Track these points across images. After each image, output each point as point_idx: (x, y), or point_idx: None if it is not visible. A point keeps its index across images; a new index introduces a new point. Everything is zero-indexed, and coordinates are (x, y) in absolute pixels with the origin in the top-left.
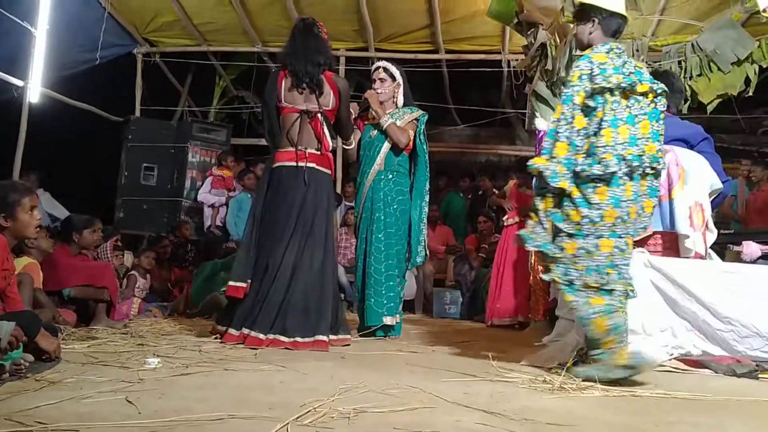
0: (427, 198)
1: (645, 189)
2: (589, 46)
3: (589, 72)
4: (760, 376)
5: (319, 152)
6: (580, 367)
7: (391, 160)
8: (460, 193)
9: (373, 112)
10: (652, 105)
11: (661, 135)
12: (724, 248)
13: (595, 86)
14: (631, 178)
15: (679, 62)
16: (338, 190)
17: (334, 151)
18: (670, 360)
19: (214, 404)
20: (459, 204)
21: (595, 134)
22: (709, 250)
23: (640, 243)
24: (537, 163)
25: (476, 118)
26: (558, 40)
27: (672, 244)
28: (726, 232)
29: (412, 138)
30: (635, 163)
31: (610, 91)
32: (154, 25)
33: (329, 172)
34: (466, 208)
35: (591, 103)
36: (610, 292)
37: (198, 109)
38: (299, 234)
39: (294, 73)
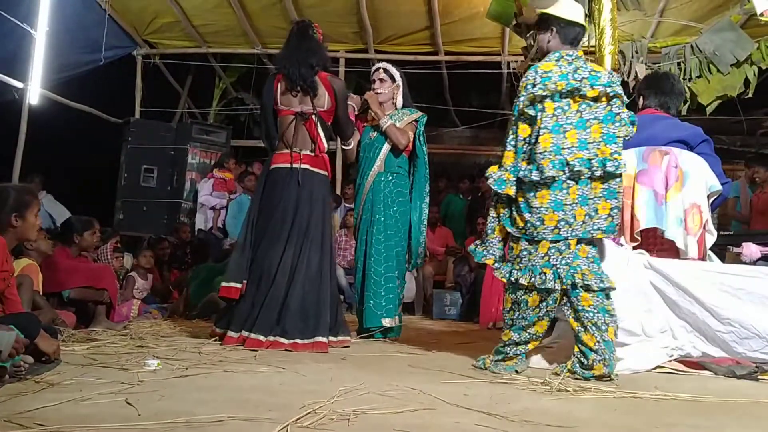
0: (427, 199)
1: (599, 191)
2: (547, 53)
3: (532, 81)
4: (759, 377)
5: (313, 153)
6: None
7: (391, 161)
8: (459, 194)
9: (373, 114)
10: (608, 108)
11: (619, 137)
12: (723, 250)
13: (531, 95)
14: (577, 182)
15: (679, 64)
16: (338, 191)
17: (333, 153)
18: (669, 361)
19: (214, 406)
20: (459, 205)
21: (535, 141)
22: (709, 252)
23: (640, 245)
24: (490, 171)
25: (476, 120)
26: None
27: (672, 245)
28: (726, 233)
29: (411, 139)
30: (580, 167)
31: (551, 97)
32: (153, 27)
33: (325, 173)
34: (466, 210)
35: (530, 112)
36: (548, 292)
37: (198, 110)
38: (295, 236)
39: (288, 76)
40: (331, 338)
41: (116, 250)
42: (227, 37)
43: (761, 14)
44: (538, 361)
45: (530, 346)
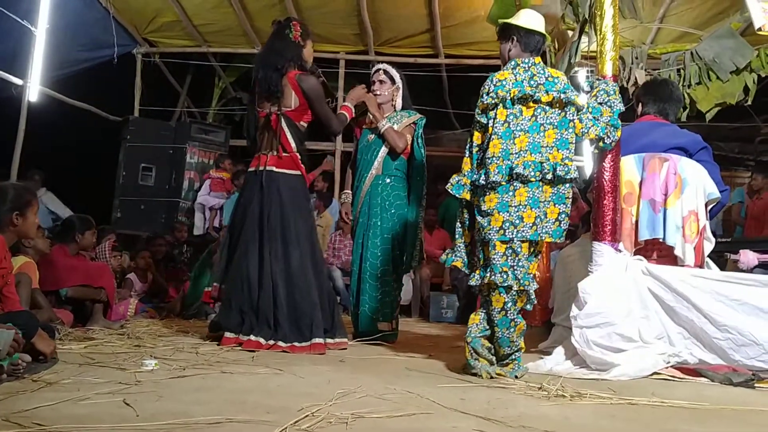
0: (424, 202)
1: (548, 195)
2: (508, 61)
3: (486, 90)
4: (756, 385)
5: (277, 154)
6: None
7: (389, 164)
8: None
9: (371, 116)
10: (562, 114)
11: (571, 143)
12: (721, 256)
13: (482, 104)
14: (526, 184)
15: (678, 70)
16: (337, 192)
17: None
18: (666, 368)
19: (212, 407)
20: (457, 208)
21: (486, 147)
22: (707, 259)
23: (639, 250)
24: (453, 177)
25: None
26: (557, 47)
27: (670, 252)
28: (723, 240)
29: (409, 142)
30: (529, 171)
31: (503, 104)
32: (154, 26)
33: (295, 172)
34: None
35: (482, 120)
36: (507, 289)
37: (197, 110)
38: (270, 238)
39: (256, 79)
40: (329, 340)
41: (114, 249)
42: (227, 37)
43: (759, 29)
44: (535, 366)
45: (518, 349)
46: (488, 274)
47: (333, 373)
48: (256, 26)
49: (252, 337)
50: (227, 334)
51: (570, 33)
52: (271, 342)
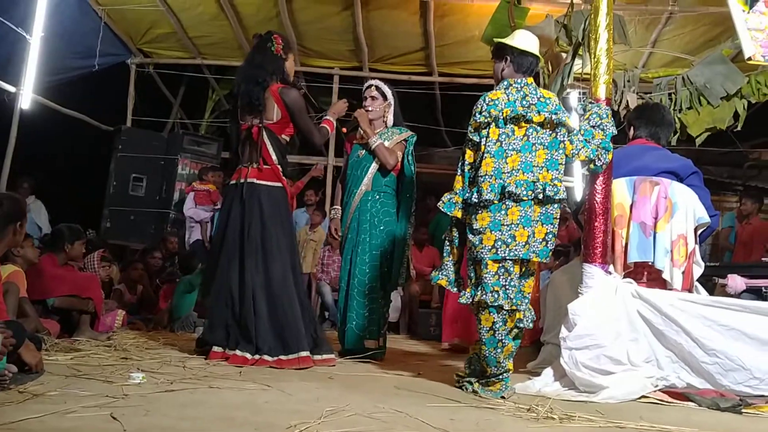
0: (413, 219)
1: (537, 215)
2: (501, 81)
3: (479, 109)
4: (743, 410)
5: (259, 166)
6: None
7: (379, 180)
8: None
9: (362, 132)
10: (552, 135)
11: (561, 164)
12: (710, 281)
13: (475, 123)
14: (518, 203)
15: (670, 95)
16: (327, 207)
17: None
18: (654, 392)
19: (200, 423)
20: (448, 225)
21: (478, 165)
22: (696, 283)
23: (629, 273)
24: (444, 195)
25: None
26: (551, 69)
27: (659, 275)
28: (712, 264)
29: (400, 159)
30: (519, 190)
31: (495, 123)
32: (149, 37)
33: (277, 184)
34: None
35: (475, 138)
36: (498, 309)
37: (189, 121)
38: (250, 252)
39: (237, 93)
40: (316, 356)
41: (104, 260)
42: (222, 50)
43: (749, 58)
44: (524, 387)
45: (506, 369)
46: (479, 293)
47: (321, 391)
48: (251, 40)
49: (238, 352)
50: (214, 348)
51: (564, 55)
52: (257, 357)
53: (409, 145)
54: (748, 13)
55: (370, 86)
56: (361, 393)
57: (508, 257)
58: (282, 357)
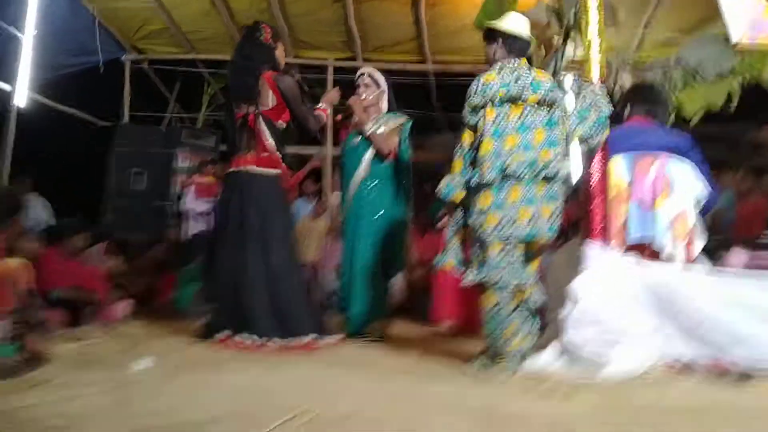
0: (411, 204)
1: (542, 193)
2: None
3: (474, 90)
4: (747, 383)
5: (257, 154)
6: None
7: (376, 166)
8: None
9: (357, 119)
10: (549, 114)
11: (560, 142)
12: (712, 256)
13: (471, 104)
14: (519, 181)
15: (664, 74)
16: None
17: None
18: (658, 366)
19: (204, 406)
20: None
21: (477, 146)
22: (700, 257)
23: (629, 251)
24: (442, 182)
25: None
26: (544, 53)
27: (660, 252)
28: (716, 238)
29: (396, 145)
30: (519, 169)
31: (492, 104)
32: (142, 33)
33: (275, 171)
34: None
35: (472, 120)
36: (502, 289)
37: (186, 115)
38: (250, 239)
39: (230, 84)
40: (320, 340)
41: (106, 252)
42: (216, 44)
43: (734, 45)
44: (528, 364)
45: (510, 348)
46: (483, 273)
47: (324, 373)
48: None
49: (242, 337)
50: (218, 335)
51: (556, 38)
52: (262, 341)
53: (404, 131)
54: None
55: (362, 74)
56: (366, 375)
57: (512, 236)
58: (286, 343)
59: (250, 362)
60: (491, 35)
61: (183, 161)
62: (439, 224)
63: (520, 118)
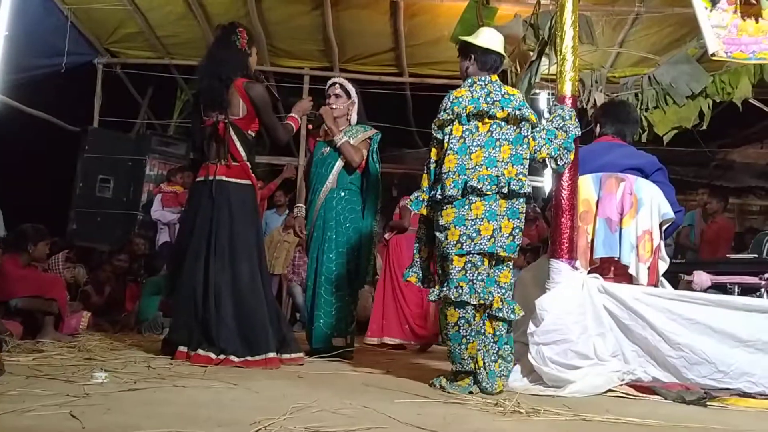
0: (378, 217)
1: (503, 210)
2: (466, 79)
3: (444, 107)
4: (708, 403)
5: (226, 164)
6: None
7: (344, 178)
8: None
9: (327, 129)
10: (517, 130)
11: (525, 159)
12: (676, 277)
13: (439, 120)
14: (482, 198)
15: (636, 94)
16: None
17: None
18: (620, 385)
19: (162, 420)
20: None
21: (441, 162)
22: (662, 278)
23: (595, 269)
24: (412, 194)
25: None
26: (519, 68)
27: (625, 270)
28: (678, 261)
29: (365, 156)
30: (484, 184)
31: (458, 120)
32: (116, 36)
33: (246, 182)
34: None
35: (438, 136)
36: (463, 305)
37: (158, 122)
38: (218, 250)
39: (199, 89)
40: (284, 356)
41: (68, 261)
42: (191, 49)
43: (712, 54)
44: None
45: (474, 365)
46: (444, 289)
47: (288, 388)
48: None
49: (201, 352)
50: (180, 348)
51: (531, 53)
52: (222, 357)
53: (373, 143)
54: (711, 10)
55: (334, 84)
56: (329, 390)
57: (473, 251)
58: (249, 358)
59: (210, 377)
60: (465, 51)
61: (152, 169)
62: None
63: (487, 133)
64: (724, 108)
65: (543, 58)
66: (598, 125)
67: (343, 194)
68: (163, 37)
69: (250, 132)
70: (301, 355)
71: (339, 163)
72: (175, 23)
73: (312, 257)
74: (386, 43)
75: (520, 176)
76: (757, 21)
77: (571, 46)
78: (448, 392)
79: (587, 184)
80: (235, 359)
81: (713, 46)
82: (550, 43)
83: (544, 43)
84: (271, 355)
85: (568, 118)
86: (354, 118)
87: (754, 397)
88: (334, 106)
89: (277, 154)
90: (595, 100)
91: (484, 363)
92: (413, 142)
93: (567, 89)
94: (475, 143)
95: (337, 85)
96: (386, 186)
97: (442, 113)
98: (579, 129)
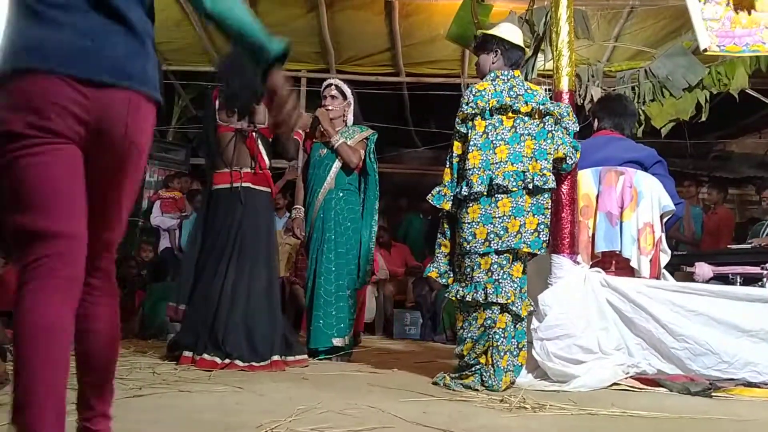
0: (377, 217)
1: (529, 206)
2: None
3: (466, 100)
4: (713, 394)
5: (253, 171)
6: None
7: (342, 179)
8: (420, 214)
9: (323, 130)
10: (540, 125)
11: (549, 154)
12: (677, 269)
13: (462, 113)
14: (508, 194)
15: (633, 87)
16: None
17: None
18: (625, 378)
19: (168, 426)
20: (419, 226)
21: (465, 157)
22: (663, 271)
23: (597, 263)
24: (435, 188)
25: (436, 141)
26: None
27: (627, 264)
28: (680, 253)
29: (362, 157)
30: (510, 181)
31: (482, 115)
32: None
33: (268, 189)
34: (426, 230)
35: (462, 130)
36: (490, 306)
37: (156, 128)
38: (240, 256)
39: (227, 94)
40: (289, 358)
41: None
42: (187, 55)
43: (704, 50)
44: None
45: (482, 362)
46: (468, 291)
47: (294, 390)
48: (216, 44)
49: (206, 356)
50: (185, 353)
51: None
52: (227, 361)
53: (370, 143)
54: (704, 3)
55: (329, 85)
56: (334, 391)
57: (500, 249)
58: (254, 363)
59: (215, 381)
60: (488, 45)
61: (152, 175)
62: None
63: (511, 128)
64: (721, 99)
65: (539, 54)
66: (596, 119)
67: (341, 195)
68: (160, 44)
69: (270, 139)
70: (305, 357)
71: (337, 165)
72: (171, 29)
73: (311, 258)
74: (382, 43)
75: (545, 171)
76: (750, 13)
77: (567, 41)
78: (453, 390)
79: (587, 179)
80: (240, 363)
81: (705, 41)
82: (545, 38)
83: (539, 38)
84: (276, 358)
85: (565, 114)
86: (350, 119)
87: (758, 387)
88: (330, 108)
89: (276, 157)
90: (592, 95)
91: (493, 360)
92: (411, 141)
93: (564, 84)
94: (499, 138)
95: (332, 87)
96: (385, 186)
97: (465, 106)
98: (577, 125)
